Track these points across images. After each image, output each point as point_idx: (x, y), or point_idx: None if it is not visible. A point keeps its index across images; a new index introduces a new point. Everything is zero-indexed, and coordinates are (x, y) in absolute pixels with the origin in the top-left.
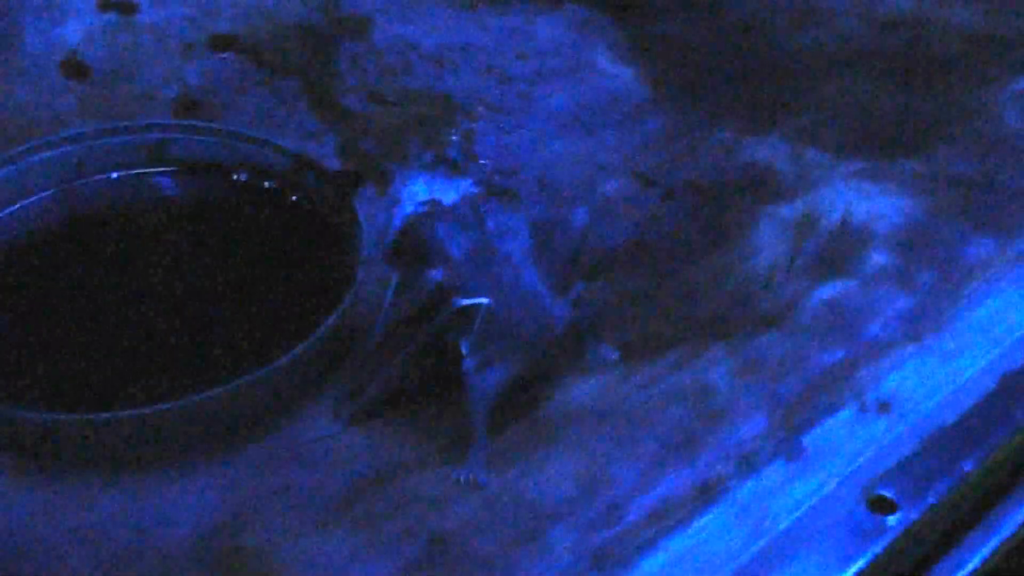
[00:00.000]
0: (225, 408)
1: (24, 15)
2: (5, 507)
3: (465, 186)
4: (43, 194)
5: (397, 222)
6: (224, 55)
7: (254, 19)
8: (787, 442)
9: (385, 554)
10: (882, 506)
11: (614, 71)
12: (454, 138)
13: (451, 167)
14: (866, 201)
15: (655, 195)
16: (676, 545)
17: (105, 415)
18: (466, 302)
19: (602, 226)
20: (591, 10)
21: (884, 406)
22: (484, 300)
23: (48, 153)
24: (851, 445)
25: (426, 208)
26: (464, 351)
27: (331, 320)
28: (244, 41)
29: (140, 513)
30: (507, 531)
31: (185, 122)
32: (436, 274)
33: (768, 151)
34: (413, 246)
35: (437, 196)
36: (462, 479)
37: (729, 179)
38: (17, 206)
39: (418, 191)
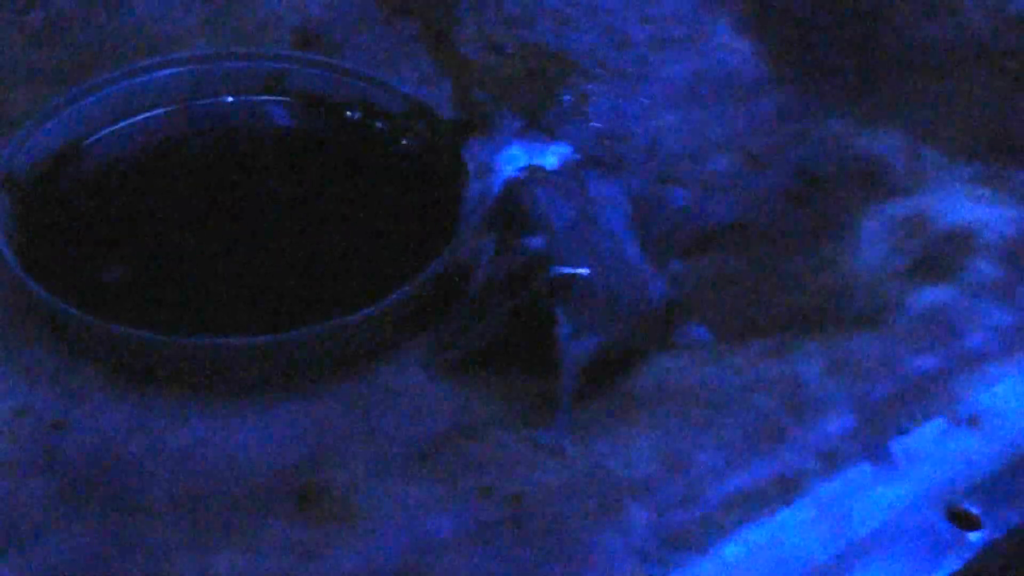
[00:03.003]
0: (318, 346)
1: None
2: (97, 420)
3: (566, 152)
4: (159, 111)
5: (497, 185)
6: None
7: None
8: (874, 445)
9: (462, 509)
10: (965, 521)
11: (734, 44)
12: (566, 98)
13: (546, 132)
14: (978, 208)
15: (763, 176)
16: (754, 536)
17: (202, 340)
18: (565, 271)
19: (706, 203)
20: None
21: (975, 420)
22: (584, 270)
23: (167, 71)
24: (938, 456)
25: (527, 173)
26: (560, 318)
27: (428, 270)
28: None
29: (228, 439)
30: (585, 501)
31: (305, 54)
32: (536, 241)
33: (883, 145)
34: (513, 211)
35: (537, 161)
36: (545, 443)
37: (839, 169)
38: (133, 120)
39: (517, 155)
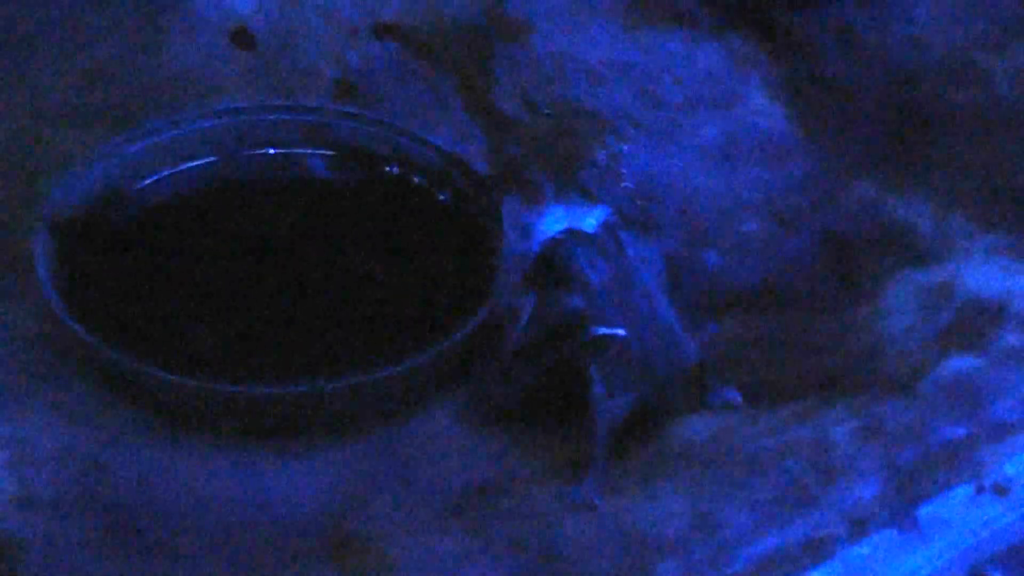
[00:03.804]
0: (355, 397)
1: None
2: (135, 463)
3: (602, 213)
4: (203, 160)
5: (536, 245)
6: (386, 43)
7: (419, 11)
8: (901, 511)
9: (495, 561)
10: None
11: (766, 108)
12: (600, 157)
13: (586, 195)
14: (1006, 277)
15: (792, 239)
16: None
17: (239, 388)
18: (602, 331)
19: (736, 265)
20: (751, 42)
21: (1002, 489)
22: (621, 331)
23: (212, 122)
24: (964, 523)
25: (566, 234)
26: (595, 377)
27: (468, 325)
28: (407, 32)
29: (263, 485)
30: (616, 558)
31: (344, 108)
32: (575, 300)
33: (911, 210)
34: (552, 270)
35: (574, 222)
36: (577, 500)
37: (868, 233)
38: (177, 169)
39: (556, 216)
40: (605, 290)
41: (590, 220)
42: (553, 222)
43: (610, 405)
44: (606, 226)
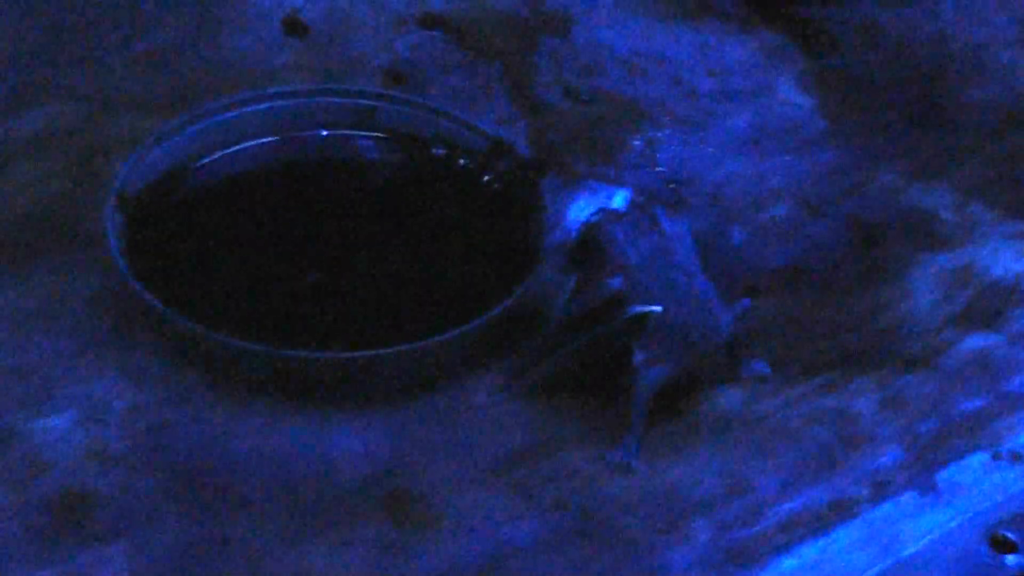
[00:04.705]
0: (406, 364)
1: None
2: (200, 422)
3: (627, 193)
4: (258, 141)
5: (575, 228)
6: (433, 33)
7: (465, 3)
8: (921, 476)
9: (537, 520)
10: (1003, 546)
11: (795, 99)
12: (636, 144)
13: (617, 178)
14: (1023, 261)
15: (819, 224)
16: (807, 553)
17: (299, 352)
18: (641, 309)
19: (766, 247)
20: (781, 36)
21: (1017, 456)
22: (658, 308)
23: (267, 104)
24: (981, 488)
25: (602, 214)
26: (635, 348)
27: (510, 300)
28: (452, 22)
29: (319, 445)
30: (652, 516)
31: (394, 92)
32: (615, 282)
33: (934, 199)
34: (591, 251)
35: (605, 203)
36: (615, 461)
37: (892, 220)
38: (236, 148)
39: (586, 198)
40: (643, 265)
41: (618, 199)
42: (584, 204)
43: (649, 374)
44: (641, 205)
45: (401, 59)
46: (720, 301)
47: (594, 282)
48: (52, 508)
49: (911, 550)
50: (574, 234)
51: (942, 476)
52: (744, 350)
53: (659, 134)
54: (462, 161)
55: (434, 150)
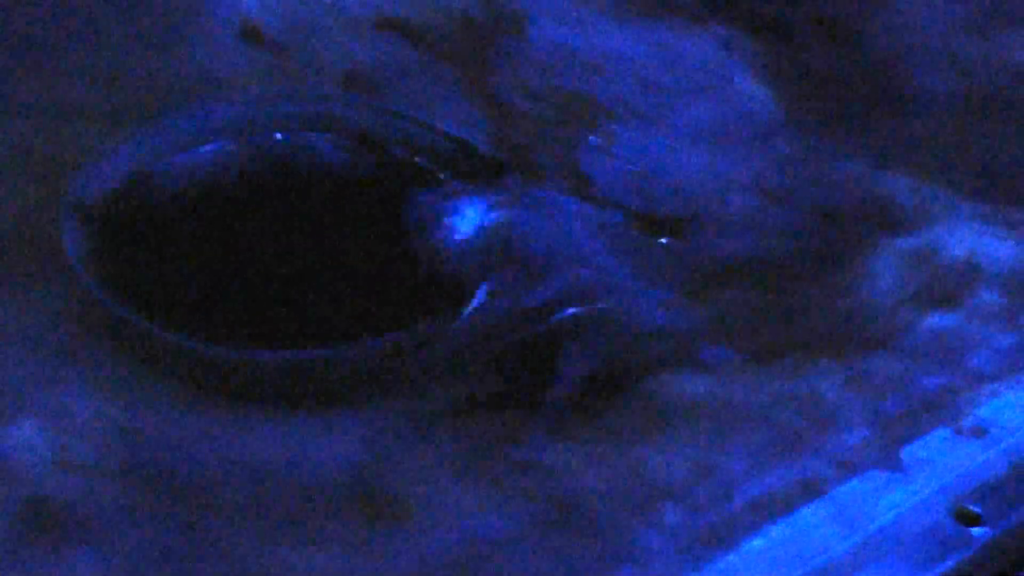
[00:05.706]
0: (369, 363)
1: None
2: (167, 428)
3: (552, 195)
4: (216, 145)
5: (476, 233)
6: (389, 36)
7: (420, 5)
8: (885, 453)
9: (511, 511)
10: (968, 519)
11: (751, 91)
12: (592, 140)
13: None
14: (981, 243)
15: (779, 213)
16: (777, 532)
17: (268, 354)
18: (571, 312)
19: (727, 237)
20: (735, 31)
21: (979, 431)
22: (592, 307)
23: (224, 110)
24: (945, 463)
25: (504, 216)
26: (565, 350)
27: (476, 302)
28: (409, 25)
29: (292, 448)
30: (624, 502)
31: (350, 96)
32: (543, 283)
33: (892, 185)
34: (499, 254)
35: (533, 203)
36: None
37: (851, 207)
38: (192, 153)
39: (471, 206)
40: (569, 265)
41: (505, 199)
42: (474, 213)
43: (576, 363)
44: (542, 201)
45: (358, 63)
46: (643, 287)
47: (518, 285)
48: (19, 516)
49: (877, 525)
50: (477, 240)
51: (907, 452)
52: (708, 337)
53: (616, 128)
54: (418, 160)
55: (394, 151)
